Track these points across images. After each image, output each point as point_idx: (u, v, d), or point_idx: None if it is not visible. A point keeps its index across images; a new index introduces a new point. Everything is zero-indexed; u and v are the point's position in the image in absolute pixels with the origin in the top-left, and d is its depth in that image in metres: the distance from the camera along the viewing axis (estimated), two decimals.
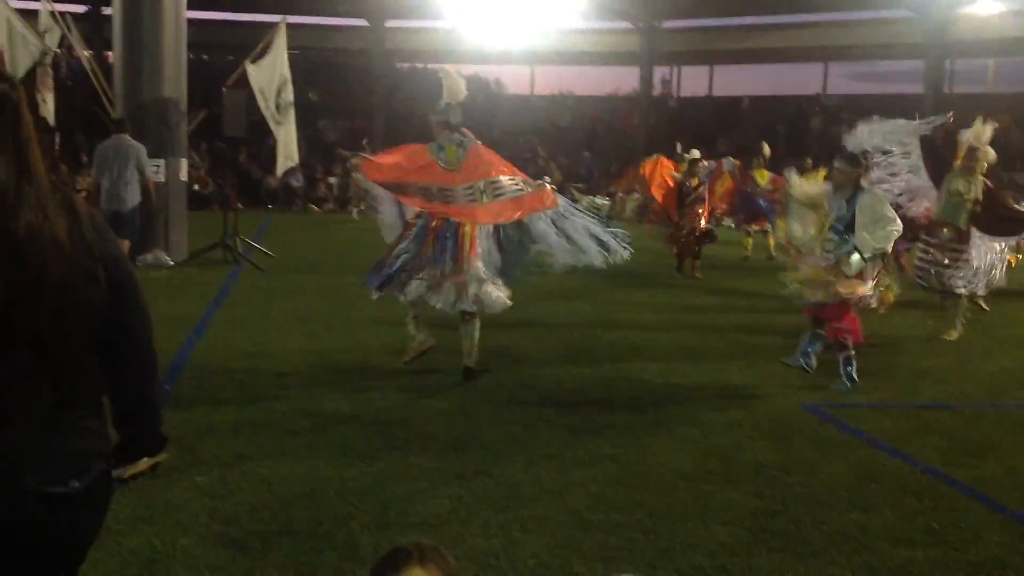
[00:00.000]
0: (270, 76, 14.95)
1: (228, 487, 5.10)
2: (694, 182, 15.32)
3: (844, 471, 5.65)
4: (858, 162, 7.66)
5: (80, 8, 29.30)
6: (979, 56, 34.00)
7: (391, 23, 35.84)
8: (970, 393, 7.79)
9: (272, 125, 15.29)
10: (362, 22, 35.76)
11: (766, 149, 17.60)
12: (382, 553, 2.46)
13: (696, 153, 15.98)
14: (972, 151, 9.63)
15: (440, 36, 36.06)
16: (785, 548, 4.51)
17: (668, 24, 35.86)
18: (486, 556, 4.31)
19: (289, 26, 15.66)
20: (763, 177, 16.87)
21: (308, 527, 4.59)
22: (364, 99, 35.68)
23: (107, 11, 17.31)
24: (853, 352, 7.71)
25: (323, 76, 36.19)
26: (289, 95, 15.10)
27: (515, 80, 39.56)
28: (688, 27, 36.44)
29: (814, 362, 7.80)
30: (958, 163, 9.81)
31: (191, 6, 15.56)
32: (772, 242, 16.95)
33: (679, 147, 18.68)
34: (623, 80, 38.95)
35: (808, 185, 8.12)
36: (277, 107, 15.13)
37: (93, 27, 28.01)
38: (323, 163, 30.95)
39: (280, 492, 5.05)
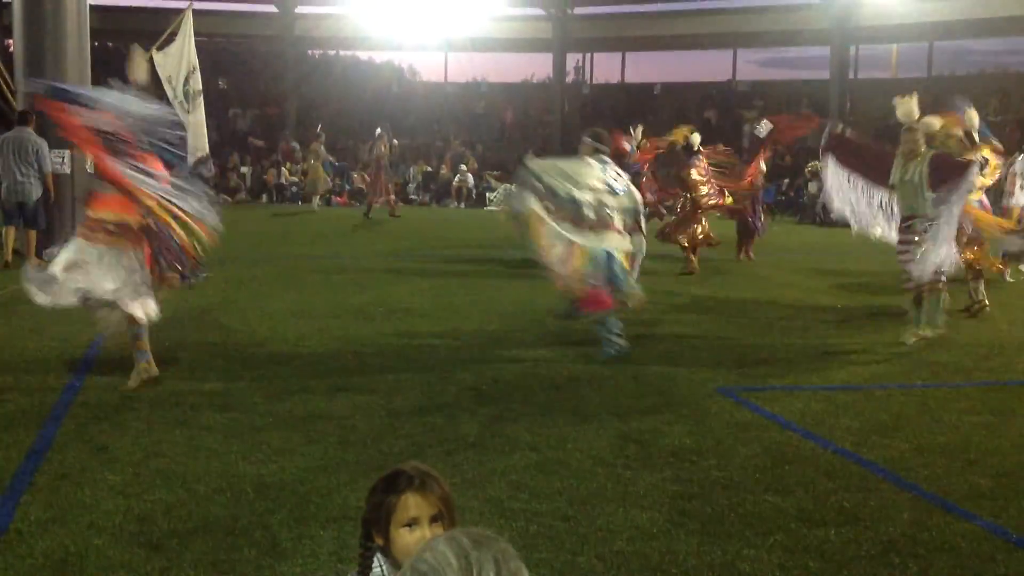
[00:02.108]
0: (177, 64, 14.63)
1: (142, 485, 5.00)
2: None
3: (758, 454, 5.75)
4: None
5: None
6: (883, 42, 34.78)
7: (301, 9, 35.39)
8: (880, 375, 7.98)
9: (181, 114, 14.96)
10: (271, 8, 35.24)
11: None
12: (386, 472, 2.46)
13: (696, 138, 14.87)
14: (908, 132, 8.95)
15: (351, 23, 35.68)
16: (702, 531, 4.57)
17: (579, 11, 36.06)
18: None
19: (196, 13, 15.37)
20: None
21: (225, 524, 4.53)
22: (274, 87, 35.22)
23: None
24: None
25: (232, 64, 35.64)
26: (197, 83, 14.80)
27: (429, 67, 39.39)
28: (599, 14, 36.64)
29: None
30: (898, 150, 9.16)
31: None
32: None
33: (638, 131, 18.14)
34: (537, 67, 39.07)
35: None
36: (185, 95, 14.83)
37: None
38: (238, 153, 30.50)
39: (196, 489, 4.97)
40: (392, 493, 2.38)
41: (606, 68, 39.45)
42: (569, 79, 37.59)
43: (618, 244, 8.31)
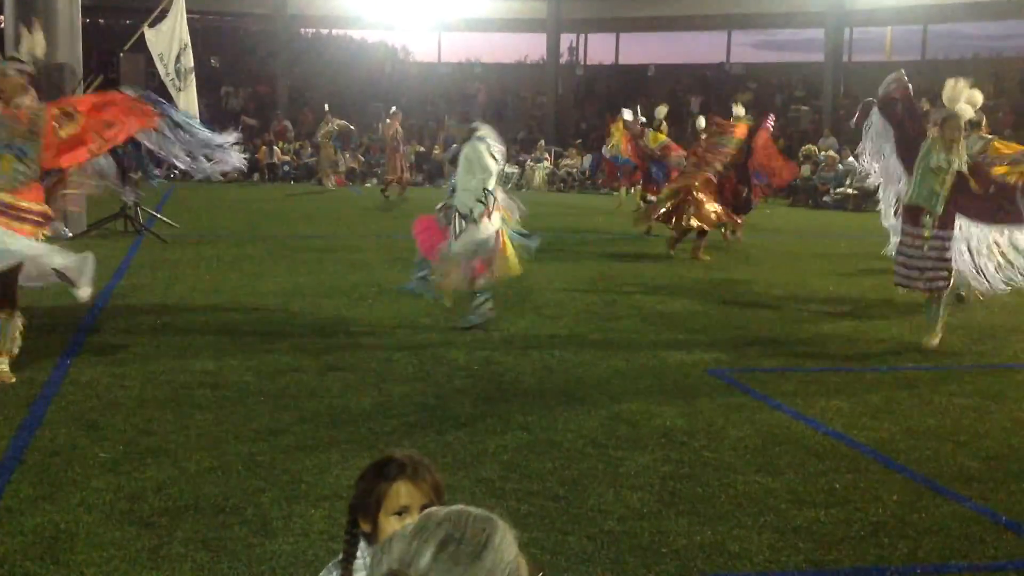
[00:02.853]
0: (169, 41, 14.55)
1: (132, 463, 5.00)
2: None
3: (749, 435, 5.76)
4: None
5: None
6: (877, 24, 34.74)
7: None
8: (870, 357, 8.00)
9: (172, 92, 14.88)
10: None
11: (661, 112, 17.62)
12: (378, 456, 2.43)
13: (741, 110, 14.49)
14: (953, 119, 8.08)
15: (344, 2, 35.50)
16: (693, 511, 4.59)
17: None
18: None
19: None
20: (655, 140, 17.13)
21: (216, 502, 4.53)
22: (267, 66, 35.06)
23: None
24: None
25: (225, 42, 35.50)
26: (189, 61, 14.73)
27: (422, 48, 39.27)
28: None
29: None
30: (933, 131, 8.37)
31: None
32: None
33: (630, 112, 18.31)
34: (531, 48, 38.98)
35: None
36: (177, 73, 14.75)
37: None
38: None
39: (186, 467, 4.96)
40: (383, 480, 2.35)
41: (600, 49, 39.39)
42: (563, 60, 37.48)
43: (499, 224, 8.40)
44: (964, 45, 43.72)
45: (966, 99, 8.16)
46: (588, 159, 30.02)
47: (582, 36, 38.95)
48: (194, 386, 6.45)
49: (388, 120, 23.23)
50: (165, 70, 14.53)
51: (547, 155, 30.52)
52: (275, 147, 29.76)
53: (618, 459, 5.27)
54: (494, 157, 8.28)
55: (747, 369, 7.46)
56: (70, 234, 13.79)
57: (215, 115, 30.72)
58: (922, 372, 7.44)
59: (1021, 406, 6.58)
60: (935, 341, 8.22)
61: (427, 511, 1.41)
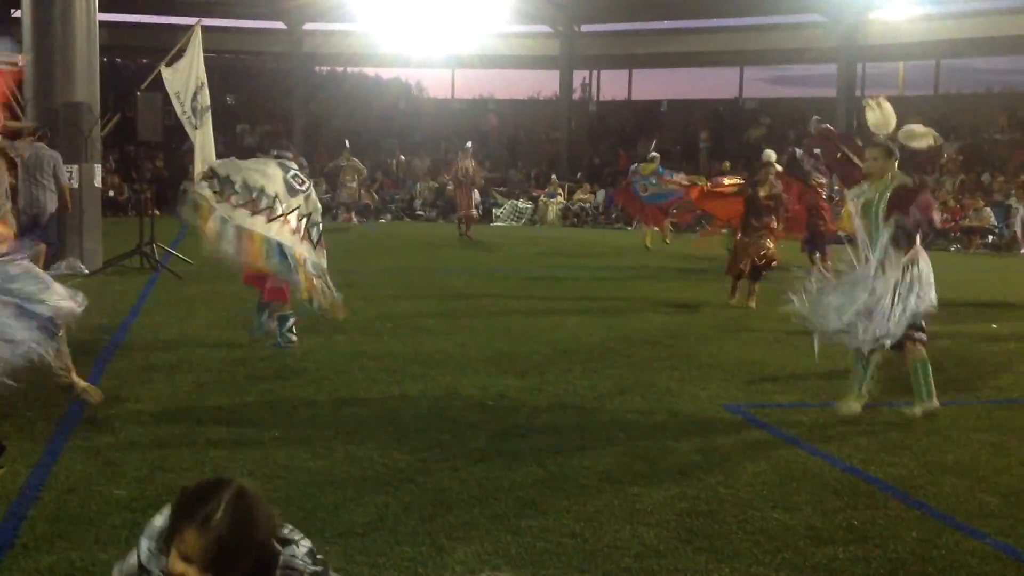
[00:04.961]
0: (186, 79, 14.66)
1: (148, 500, 4.99)
2: (764, 191, 12.37)
3: (766, 471, 5.73)
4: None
5: None
6: (889, 60, 34.84)
7: (309, 26, 35.54)
8: (888, 391, 7.93)
9: (189, 130, 14.98)
10: (280, 25, 35.40)
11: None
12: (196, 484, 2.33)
13: (771, 155, 12.95)
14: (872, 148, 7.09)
15: (359, 39, 35.83)
16: (710, 548, 4.55)
17: (587, 28, 36.20)
18: (413, 564, 4.29)
19: (205, 29, 15.39)
20: (647, 169, 17.24)
21: None
22: (282, 103, 35.36)
23: (16, 14, 16.89)
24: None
25: (240, 80, 35.82)
26: (206, 99, 14.82)
27: (436, 84, 39.58)
28: (606, 31, 36.80)
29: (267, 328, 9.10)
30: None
31: (103, 8, 15.27)
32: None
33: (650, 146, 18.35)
34: (544, 84, 39.21)
35: None
36: (194, 111, 14.86)
37: (1, 30, 27.27)
38: None
39: None
40: (180, 517, 2.22)
41: (613, 85, 39.64)
42: (576, 96, 37.69)
43: (290, 240, 8.54)
44: (977, 79, 43.69)
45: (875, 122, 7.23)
46: (601, 194, 30.10)
47: (595, 72, 39.17)
48: (209, 423, 6.46)
49: (460, 156, 23.21)
50: (182, 108, 14.63)
51: (560, 190, 30.61)
52: None
53: (634, 495, 5.24)
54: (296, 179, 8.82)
55: (763, 404, 7.43)
56: (86, 271, 13.92)
57: (231, 152, 31.00)
58: (940, 407, 7.38)
59: None
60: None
61: None
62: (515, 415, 6.86)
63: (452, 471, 5.56)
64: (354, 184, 26.37)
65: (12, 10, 24.37)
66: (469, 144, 23.54)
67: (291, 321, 9.02)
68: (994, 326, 9.55)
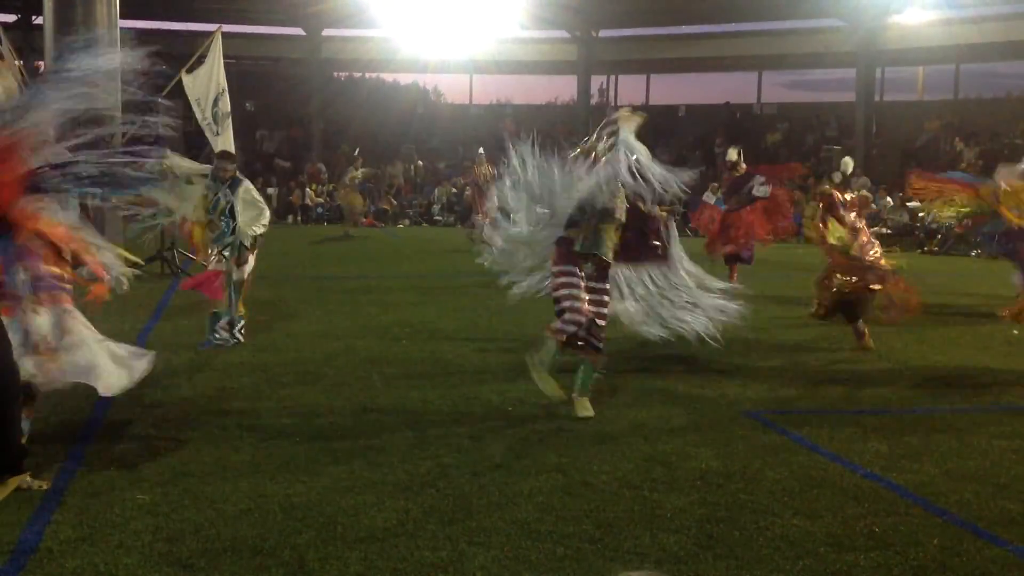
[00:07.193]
0: (206, 86, 14.79)
1: (171, 505, 5.03)
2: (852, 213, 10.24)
3: (786, 477, 5.72)
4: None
5: (10, 17, 28.71)
6: (909, 64, 34.68)
7: (328, 32, 35.61)
8: (908, 398, 7.92)
9: (209, 136, 15.12)
10: (298, 31, 35.50)
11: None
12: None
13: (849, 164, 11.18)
14: None
15: (377, 45, 35.92)
16: (730, 555, 4.55)
17: (604, 33, 36.17)
18: (434, 569, 4.30)
19: (225, 35, 15.51)
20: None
21: (253, 544, 4.54)
22: (301, 109, 35.47)
23: (38, 20, 17.02)
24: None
25: (260, 86, 35.92)
26: (226, 105, 14.94)
27: (454, 89, 39.62)
28: (624, 36, 36.77)
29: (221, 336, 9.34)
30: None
31: (124, 15, 15.35)
32: None
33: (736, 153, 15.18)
34: (561, 89, 39.21)
35: None
36: (214, 117, 14.97)
37: (24, 36, 27.47)
38: (262, 174, 30.70)
39: (224, 509, 4.99)
40: None
41: (631, 90, 39.45)
42: (594, 101, 37.66)
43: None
44: (997, 84, 43.57)
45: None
46: None
47: (613, 77, 39.14)
48: (231, 428, 6.49)
49: (476, 162, 23.16)
50: (202, 115, 14.75)
51: None
52: (308, 189, 30.03)
53: (654, 501, 5.25)
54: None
55: (783, 411, 7.42)
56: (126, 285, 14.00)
57: (251, 158, 31.13)
58: (960, 414, 7.36)
59: None
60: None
61: None
62: (534, 421, 6.87)
63: (472, 476, 5.58)
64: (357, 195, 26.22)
65: (34, 15, 24.56)
66: (482, 150, 23.54)
67: (224, 320, 9.40)
68: (1015, 332, 9.50)
